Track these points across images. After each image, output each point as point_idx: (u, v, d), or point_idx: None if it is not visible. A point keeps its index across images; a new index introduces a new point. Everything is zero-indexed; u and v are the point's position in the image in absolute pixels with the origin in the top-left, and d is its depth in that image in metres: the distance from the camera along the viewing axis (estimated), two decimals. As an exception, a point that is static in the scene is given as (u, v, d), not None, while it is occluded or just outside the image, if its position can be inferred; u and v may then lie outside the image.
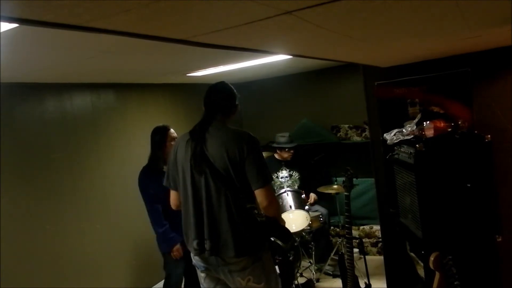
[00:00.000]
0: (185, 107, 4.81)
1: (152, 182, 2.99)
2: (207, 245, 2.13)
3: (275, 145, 4.47)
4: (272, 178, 2.22)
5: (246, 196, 2.11)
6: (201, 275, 2.30)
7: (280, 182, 4.32)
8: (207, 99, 2.26)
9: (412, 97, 2.90)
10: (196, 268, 2.31)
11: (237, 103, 2.30)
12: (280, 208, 2.18)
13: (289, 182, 4.37)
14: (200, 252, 2.18)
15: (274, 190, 2.14)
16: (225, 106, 2.24)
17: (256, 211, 2.14)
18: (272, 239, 3.18)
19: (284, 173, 4.41)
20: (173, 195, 2.37)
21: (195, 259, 2.26)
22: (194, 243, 2.18)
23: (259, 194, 2.10)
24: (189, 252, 2.97)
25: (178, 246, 2.96)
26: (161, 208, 2.99)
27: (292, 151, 4.43)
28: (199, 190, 2.14)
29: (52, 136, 3.38)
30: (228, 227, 2.09)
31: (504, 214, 2.63)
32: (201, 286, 2.35)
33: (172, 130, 3.09)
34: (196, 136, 2.17)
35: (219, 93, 2.27)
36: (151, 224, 3.05)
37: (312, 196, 4.36)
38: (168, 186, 2.36)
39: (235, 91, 2.30)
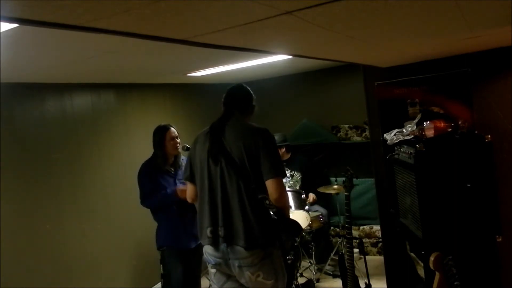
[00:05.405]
0: (185, 107, 4.81)
1: (150, 177, 3.01)
2: (221, 232, 2.20)
3: None
4: (286, 174, 2.22)
5: (258, 186, 2.17)
6: (211, 271, 2.35)
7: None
8: (226, 100, 2.40)
9: (412, 97, 2.90)
10: (207, 264, 2.35)
11: (254, 104, 2.44)
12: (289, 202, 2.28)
13: (290, 182, 4.36)
14: (213, 240, 2.23)
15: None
16: (243, 106, 2.40)
17: (267, 202, 2.18)
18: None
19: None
20: (189, 188, 2.45)
21: (207, 253, 2.30)
22: (208, 231, 2.24)
23: (270, 185, 2.16)
24: (188, 254, 3.00)
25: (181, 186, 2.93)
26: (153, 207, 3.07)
27: (283, 149, 4.42)
28: (215, 178, 2.24)
29: (52, 136, 3.38)
30: (240, 216, 2.17)
31: (504, 214, 2.62)
32: (211, 282, 2.38)
33: (172, 129, 3.08)
34: (215, 128, 2.30)
35: (237, 94, 2.43)
36: (153, 201, 3.00)
37: (311, 196, 4.36)
38: (186, 180, 2.45)
39: (252, 92, 2.45)
